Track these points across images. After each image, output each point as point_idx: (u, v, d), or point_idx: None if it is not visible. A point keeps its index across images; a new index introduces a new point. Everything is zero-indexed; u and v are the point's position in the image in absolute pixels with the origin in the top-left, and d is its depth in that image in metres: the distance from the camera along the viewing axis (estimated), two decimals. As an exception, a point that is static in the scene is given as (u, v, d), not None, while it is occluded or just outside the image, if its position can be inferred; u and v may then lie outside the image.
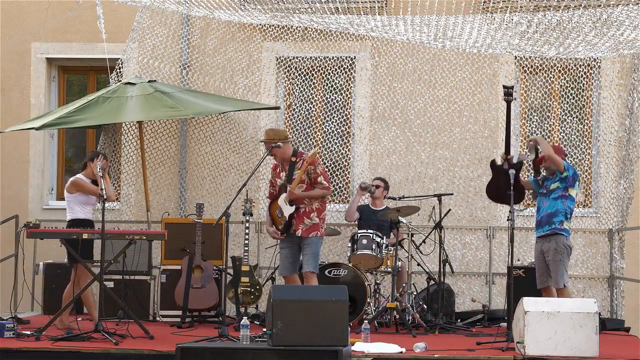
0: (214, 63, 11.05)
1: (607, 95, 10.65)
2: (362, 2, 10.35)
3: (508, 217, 8.26)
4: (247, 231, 9.20)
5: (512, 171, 8.44)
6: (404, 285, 9.22)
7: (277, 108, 10.88)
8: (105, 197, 8.06)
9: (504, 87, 8.42)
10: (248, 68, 11.05)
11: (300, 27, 10.60)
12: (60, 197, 11.64)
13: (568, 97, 10.86)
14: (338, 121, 11.01)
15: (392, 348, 7.30)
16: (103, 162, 8.47)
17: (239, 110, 10.79)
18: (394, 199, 9.84)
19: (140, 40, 11.05)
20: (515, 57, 10.68)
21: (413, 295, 9.32)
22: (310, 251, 8.41)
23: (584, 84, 10.84)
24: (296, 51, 11.00)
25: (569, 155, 10.76)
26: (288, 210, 8.37)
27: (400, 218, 9.20)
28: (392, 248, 9.15)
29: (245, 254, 9.16)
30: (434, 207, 9.50)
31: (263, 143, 8.76)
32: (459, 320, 9.67)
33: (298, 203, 8.38)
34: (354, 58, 10.99)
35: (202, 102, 10.12)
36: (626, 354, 7.38)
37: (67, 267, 10.08)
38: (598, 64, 10.70)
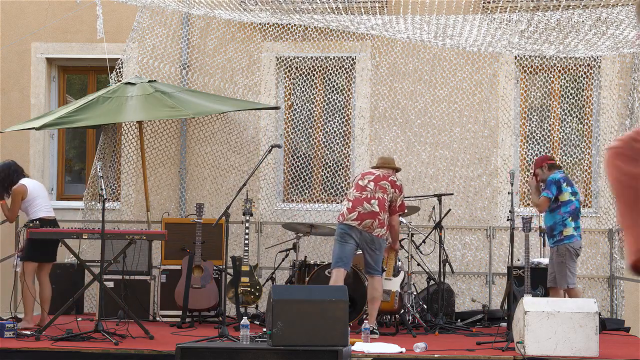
0: (214, 63, 11.04)
1: (607, 95, 10.64)
2: (362, 2, 10.34)
3: (508, 217, 8.28)
4: (247, 231, 9.19)
5: (512, 171, 8.47)
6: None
7: (277, 108, 10.87)
8: (105, 197, 8.05)
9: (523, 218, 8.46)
10: (248, 68, 11.04)
11: (300, 26, 10.59)
12: (60, 197, 11.64)
13: (568, 97, 10.86)
14: (339, 121, 11.00)
15: (392, 348, 7.30)
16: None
17: (239, 110, 10.78)
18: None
19: (140, 40, 11.04)
20: (515, 57, 10.67)
21: (413, 295, 9.31)
22: None
23: (584, 83, 10.83)
24: (296, 51, 10.99)
25: (567, 155, 10.77)
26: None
27: (400, 218, 9.18)
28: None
29: (245, 254, 9.15)
30: (434, 207, 9.48)
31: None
32: (459, 320, 9.66)
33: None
34: (355, 58, 10.97)
35: (202, 102, 10.11)
36: (626, 354, 7.38)
37: (67, 267, 10.11)
38: (598, 63, 10.69)
